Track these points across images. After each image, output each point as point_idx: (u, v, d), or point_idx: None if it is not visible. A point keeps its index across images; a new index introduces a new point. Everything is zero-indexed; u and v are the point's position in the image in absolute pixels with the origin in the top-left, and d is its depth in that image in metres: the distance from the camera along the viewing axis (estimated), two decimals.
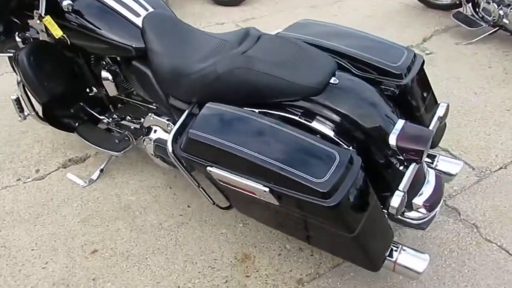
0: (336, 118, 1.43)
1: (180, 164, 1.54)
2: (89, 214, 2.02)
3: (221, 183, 1.42)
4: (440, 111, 1.56)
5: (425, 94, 1.66)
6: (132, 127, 2.07)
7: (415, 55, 1.64)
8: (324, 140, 1.34)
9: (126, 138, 2.08)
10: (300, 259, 1.79)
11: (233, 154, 1.31)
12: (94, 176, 2.20)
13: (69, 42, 1.81)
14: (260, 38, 1.59)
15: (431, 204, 1.51)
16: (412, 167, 1.39)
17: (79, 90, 2.10)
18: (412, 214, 1.52)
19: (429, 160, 1.76)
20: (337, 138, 1.42)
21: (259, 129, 1.35)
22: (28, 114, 2.09)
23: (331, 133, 1.42)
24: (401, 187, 1.34)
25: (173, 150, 1.51)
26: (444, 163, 1.75)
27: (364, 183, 1.31)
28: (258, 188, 1.30)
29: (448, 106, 1.57)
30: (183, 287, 1.70)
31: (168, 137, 1.53)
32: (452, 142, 2.41)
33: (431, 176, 1.57)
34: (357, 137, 1.43)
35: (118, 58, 1.88)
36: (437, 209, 1.55)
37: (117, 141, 2.05)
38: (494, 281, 1.70)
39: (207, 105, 1.46)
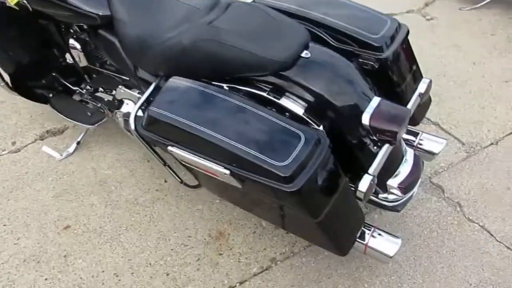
0: (306, 95, 1.33)
1: (143, 142, 1.47)
2: (63, 189, 1.98)
3: (183, 163, 1.35)
4: (421, 87, 1.46)
5: (408, 68, 1.55)
6: (106, 100, 1.99)
7: (399, 25, 1.52)
8: (291, 120, 1.25)
9: (101, 111, 2.00)
10: (275, 237, 1.75)
11: (193, 134, 1.23)
12: (71, 149, 2.14)
13: (30, 9, 1.70)
14: (229, 6, 1.47)
15: (406, 186, 1.44)
16: (385, 148, 1.30)
17: (51, 59, 2.01)
18: (387, 196, 1.45)
19: (412, 138, 1.67)
20: (307, 117, 1.33)
21: (222, 107, 1.27)
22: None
23: (300, 111, 1.33)
24: (370, 170, 1.26)
25: (135, 127, 1.43)
26: (426, 141, 1.66)
27: (332, 165, 1.24)
28: (219, 170, 1.23)
29: (430, 82, 1.47)
30: (154, 265, 1.68)
31: (131, 113, 1.46)
32: (444, 116, 2.31)
33: (409, 156, 1.49)
34: (328, 116, 1.34)
35: (85, 27, 1.77)
36: (414, 190, 1.48)
37: (89, 113, 1.98)
38: (471, 263, 1.66)
39: (170, 80, 1.38)
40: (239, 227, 1.79)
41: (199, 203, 1.88)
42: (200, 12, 1.50)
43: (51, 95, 2.12)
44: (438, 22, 3.15)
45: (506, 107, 2.35)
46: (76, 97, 2.13)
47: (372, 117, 1.29)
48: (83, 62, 1.87)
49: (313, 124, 1.33)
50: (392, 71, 1.48)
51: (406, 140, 1.67)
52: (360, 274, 1.62)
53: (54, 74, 2.07)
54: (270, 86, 1.37)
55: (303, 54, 1.35)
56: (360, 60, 1.47)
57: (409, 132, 1.69)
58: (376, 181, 1.26)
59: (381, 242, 1.41)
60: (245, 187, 1.26)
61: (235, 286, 1.61)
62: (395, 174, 1.45)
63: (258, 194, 1.29)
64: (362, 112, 1.31)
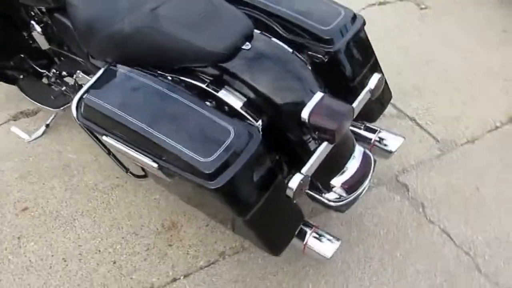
0: (244, 89, 1.28)
1: (85, 130, 1.45)
2: (28, 170, 1.99)
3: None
4: (371, 83, 1.38)
5: (363, 62, 1.47)
6: (69, 84, 1.98)
7: (354, 17, 1.45)
8: (225, 114, 1.21)
9: (66, 94, 1.99)
10: (227, 231, 1.73)
11: (123, 124, 1.21)
12: (40, 131, 2.14)
13: None
14: None
15: (351, 186, 1.39)
16: (323, 147, 1.25)
17: (19, 41, 1.99)
18: (330, 195, 1.40)
19: (370, 135, 1.61)
20: (245, 111, 1.28)
21: (154, 98, 1.24)
22: None
23: (238, 105, 1.28)
24: (304, 169, 1.21)
25: (77, 114, 1.41)
26: (384, 139, 1.60)
27: (263, 163, 1.20)
28: (147, 163, 1.20)
29: (380, 78, 1.39)
30: (102, 252, 1.68)
31: (73, 101, 1.43)
32: (422, 111, 2.22)
33: (357, 154, 1.43)
34: (268, 111, 1.29)
35: (44, 9, 1.75)
36: (362, 190, 1.43)
37: (54, 97, 1.97)
38: (425, 267, 1.61)
39: (108, 67, 1.35)
40: (192, 219, 1.77)
41: (157, 193, 1.87)
42: None
43: (21, 76, 2.11)
44: (432, 11, 3.00)
45: (488, 104, 2.24)
46: (45, 80, 2.12)
47: (311, 113, 1.23)
48: (44, 45, 1.85)
49: (251, 119, 1.28)
50: (343, 65, 1.42)
51: (363, 137, 1.62)
52: (307, 273, 1.59)
53: (22, 56, 2.06)
54: (211, 78, 1.32)
55: (244, 46, 1.30)
56: (310, 52, 1.41)
57: (367, 129, 1.63)
58: (308, 180, 1.21)
59: (320, 243, 1.37)
60: (173, 181, 1.24)
61: (180, 278, 1.61)
62: (341, 172, 1.40)
63: (187, 189, 1.26)
64: (302, 108, 1.26)
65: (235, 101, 1.29)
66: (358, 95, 1.44)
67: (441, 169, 1.94)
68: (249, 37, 1.32)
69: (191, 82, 1.34)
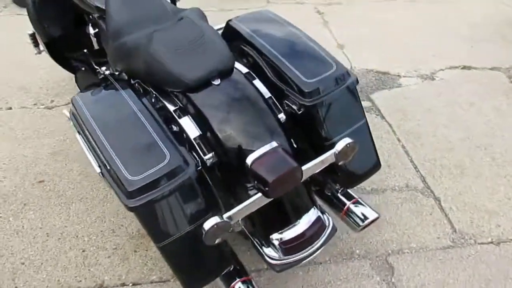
0: (201, 122, 1.30)
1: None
2: (60, 149, 2.25)
3: None
4: (336, 147, 1.28)
5: (342, 123, 1.38)
6: None
7: (344, 74, 1.37)
8: (171, 140, 1.24)
9: None
10: None
11: (88, 129, 1.31)
12: None
13: None
14: (182, 19, 1.50)
15: (289, 248, 1.30)
16: (256, 197, 1.20)
17: (81, 38, 2.28)
18: (268, 250, 1.33)
19: (345, 201, 1.49)
20: (197, 143, 1.30)
21: (123, 114, 1.32)
22: (43, 50, 2.37)
23: (192, 135, 1.31)
24: (226, 214, 1.17)
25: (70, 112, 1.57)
26: (357, 209, 1.46)
27: (192, 197, 1.20)
28: (94, 167, 1.29)
29: (350, 144, 1.27)
30: (79, 238, 1.81)
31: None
32: (452, 193, 1.98)
33: (309, 217, 1.33)
34: (216, 148, 1.29)
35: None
36: (303, 256, 1.32)
37: None
38: None
39: (106, 76, 1.48)
40: None
41: None
42: (160, 19, 1.56)
43: (83, 68, 2.41)
44: None
45: None
46: (98, 76, 2.38)
47: (255, 160, 1.20)
48: (95, 45, 2.09)
49: (200, 151, 1.29)
50: (316, 121, 1.35)
51: (337, 202, 1.50)
52: None
53: (85, 51, 2.35)
54: (180, 104, 1.37)
55: (214, 81, 1.32)
56: (286, 101, 1.37)
57: (344, 195, 1.51)
58: (227, 227, 1.16)
59: None
60: (110, 190, 1.30)
61: (128, 284, 1.65)
62: (283, 230, 1.31)
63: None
64: (249, 153, 1.22)
65: (192, 131, 1.32)
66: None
67: (443, 264, 1.69)
68: (222, 74, 1.34)
69: (164, 104, 1.40)
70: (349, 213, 1.47)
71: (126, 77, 1.64)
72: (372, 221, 1.46)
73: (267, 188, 1.16)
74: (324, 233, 1.34)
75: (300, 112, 1.36)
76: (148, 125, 1.27)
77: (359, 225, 1.45)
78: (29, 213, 1.93)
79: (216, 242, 1.18)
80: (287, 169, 1.17)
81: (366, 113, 2.36)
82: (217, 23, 1.70)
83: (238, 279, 1.33)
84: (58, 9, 2.16)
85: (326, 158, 1.28)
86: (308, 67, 1.37)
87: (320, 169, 1.29)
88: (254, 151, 1.21)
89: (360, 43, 3.22)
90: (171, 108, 1.37)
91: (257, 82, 1.41)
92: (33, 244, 1.80)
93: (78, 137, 1.39)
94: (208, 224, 1.15)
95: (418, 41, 3.23)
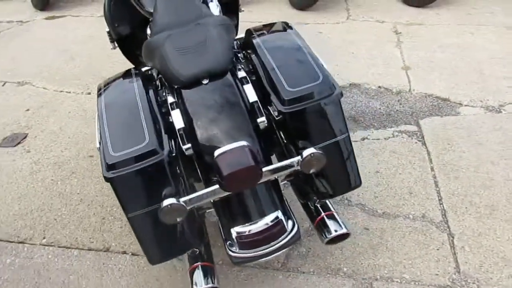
0: (186, 115, 1.44)
1: None
2: None
3: None
4: (302, 155, 1.30)
5: (315, 135, 1.39)
6: None
7: (328, 87, 1.38)
8: (156, 127, 1.40)
9: None
10: None
11: (97, 109, 1.54)
12: None
13: None
14: (198, 24, 1.66)
15: (244, 242, 1.36)
16: (212, 188, 1.30)
17: (146, 38, 2.60)
18: (229, 242, 1.40)
19: (318, 211, 1.50)
20: (180, 133, 1.44)
21: (125, 99, 1.52)
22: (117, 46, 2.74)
23: (177, 126, 1.45)
24: (183, 198, 1.28)
25: None
26: (329, 222, 1.46)
27: (159, 179, 1.34)
28: (96, 142, 1.50)
29: (314, 154, 1.28)
30: (104, 207, 2.08)
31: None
32: (470, 233, 1.81)
33: (272, 218, 1.37)
34: (193, 141, 1.42)
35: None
36: (259, 255, 1.37)
37: None
38: None
39: (132, 69, 1.71)
40: None
41: None
42: (184, 23, 1.73)
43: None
44: None
45: None
46: None
47: (220, 154, 1.30)
48: None
49: (181, 141, 1.43)
50: (290, 129, 1.40)
51: (313, 211, 1.51)
52: None
53: None
54: (176, 98, 1.53)
55: (203, 81, 1.46)
56: (269, 106, 1.45)
57: (322, 206, 1.51)
58: (182, 210, 1.27)
59: (201, 280, 1.40)
60: None
61: (129, 254, 1.86)
62: (243, 225, 1.38)
63: None
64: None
65: (178, 122, 1.46)
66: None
67: None
68: (212, 75, 1.46)
69: (167, 98, 1.57)
70: (320, 223, 1.47)
71: (155, 72, 1.86)
72: (340, 237, 1.44)
73: (223, 181, 1.26)
74: (283, 237, 1.38)
75: (278, 118, 1.42)
76: (142, 112, 1.44)
77: (326, 237, 1.44)
78: (73, 180, 2.27)
79: (172, 222, 1.31)
80: (244, 166, 1.25)
81: (407, 138, 2.33)
82: None
83: (199, 262, 1.43)
84: (127, 11, 2.49)
85: (288, 163, 1.32)
86: (294, 76, 1.42)
87: (283, 174, 1.34)
88: (220, 146, 1.32)
89: (430, 67, 3.07)
90: (170, 101, 1.54)
91: (248, 87, 1.50)
92: (67, 206, 2.11)
93: (96, 115, 1.63)
94: (163, 203, 1.28)
95: (496, 71, 2.96)
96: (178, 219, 1.31)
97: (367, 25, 3.76)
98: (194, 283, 1.40)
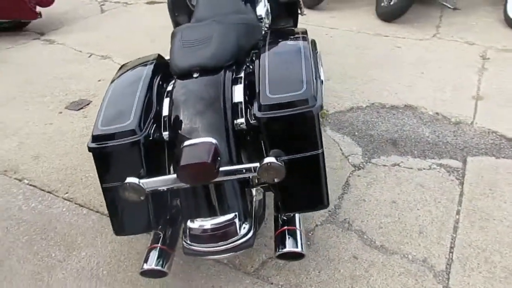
0: (171, 106, 1.51)
1: None
2: None
3: None
4: (261, 162, 1.27)
5: (283, 145, 1.35)
6: None
7: (308, 99, 1.33)
8: (144, 110, 1.48)
9: None
10: None
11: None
12: None
13: None
14: (213, 22, 1.71)
15: (192, 235, 1.39)
16: (170, 176, 1.35)
17: None
18: (185, 232, 1.44)
19: (282, 222, 1.46)
20: (164, 120, 1.51)
21: (131, 81, 1.64)
22: None
23: (164, 114, 1.52)
24: (143, 180, 1.35)
25: None
26: (288, 237, 1.41)
27: (133, 159, 1.42)
28: None
29: (269, 163, 1.25)
30: None
31: None
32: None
33: (225, 219, 1.37)
34: (171, 129, 1.48)
35: None
36: (204, 250, 1.38)
37: None
38: None
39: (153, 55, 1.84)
40: None
41: None
42: (203, 19, 1.80)
43: None
44: None
45: None
46: None
47: (184, 146, 1.35)
48: None
49: (163, 128, 1.50)
50: (263, 135, 1.37)
51: (279, 222, 1.47)
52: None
53: None
54: (171, 87, 1.60)
55: (194, 74, 1.51)
56: (250, 108, 1.44)
57: (289, 218, 1.46)
58: (139, 190, 1.33)
59: (152, 260, 1.46)
60: None
61: None
62: (199, 220, 1.40)
63: None
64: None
65: (165, 110, 1.54)
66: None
67: None
68: (203, 69, 1.50)
69: (165, 84, 1.65)
70: (279, 236, 1.43)
71: None
72: (293, 255, 1.38)
73: (178, 170, 1.30)
74: (233, 240, 1.37)
75: (252, 122, 1.40)
76: (138, 95, 1.54)
77: (278, 250, 1.39)
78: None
79: (132, 200, 1.38)
80: (198, 161, 1.28)
81: (444, 173, 2.12)
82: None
83: (159, 244, 1.50)
84: (184, 3, 2.64)
85: (245, 168, 1.32)
86: (279, 83, 1.39)
87: (239, 176, 1.33)
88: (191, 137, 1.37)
89: (507, 100, 2.71)
90: (168, 89, 1.62)
91: (239, 87, 1.51)
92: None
93: None
94: (125, 181, 1.37)
95: None
96: (137, 199, 1.38)
97: (453, 45, 3.44)
98: (145, 260, 1.46)
